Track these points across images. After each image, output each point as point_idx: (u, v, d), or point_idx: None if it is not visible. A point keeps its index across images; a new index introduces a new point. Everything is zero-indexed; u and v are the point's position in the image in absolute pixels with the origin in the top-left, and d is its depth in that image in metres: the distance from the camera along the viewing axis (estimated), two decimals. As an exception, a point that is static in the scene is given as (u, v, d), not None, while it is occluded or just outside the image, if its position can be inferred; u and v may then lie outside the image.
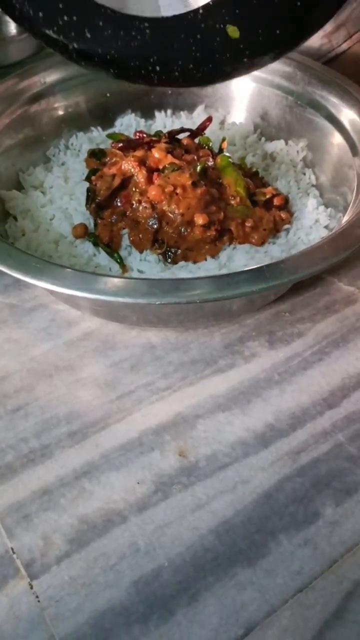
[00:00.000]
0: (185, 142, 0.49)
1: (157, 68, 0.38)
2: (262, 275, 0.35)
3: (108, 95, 0.56)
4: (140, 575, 0.30)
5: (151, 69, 0.38)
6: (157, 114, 0.57)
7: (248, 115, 0.57)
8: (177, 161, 0.45)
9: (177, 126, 0.55)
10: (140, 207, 0.44)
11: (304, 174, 0.52)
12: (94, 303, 0.39)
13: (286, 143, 0.54)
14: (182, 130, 0.50)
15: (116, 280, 0.35)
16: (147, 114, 0.57)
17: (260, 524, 0.32)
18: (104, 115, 0.56)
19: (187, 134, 0.50)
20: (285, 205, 0.49)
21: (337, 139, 0.50)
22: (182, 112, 0.57)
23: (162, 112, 0.57)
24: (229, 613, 0.29)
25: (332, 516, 0.32)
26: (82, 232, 0.45)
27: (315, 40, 0.59)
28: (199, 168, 0.44)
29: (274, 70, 0.54)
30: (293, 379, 0.39)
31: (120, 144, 0.48)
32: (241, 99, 0.57)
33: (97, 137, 0.55)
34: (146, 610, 0.29)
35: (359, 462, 0.35)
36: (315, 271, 0.36)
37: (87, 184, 0.47)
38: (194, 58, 0.37)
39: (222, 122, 0.57)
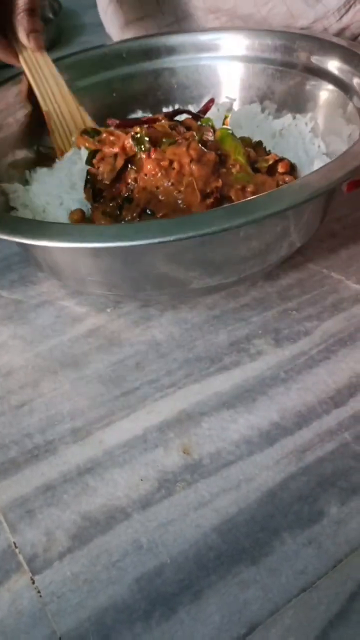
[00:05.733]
0: (187, 122, 0.47)
1: None
2: (240, 210, 0.33)
3: (114, 95, 0.56)
4: (143, 573, 0.30)
5: None
6: (164, 109, 0.56)
7: (255, 98, 0.56)
8: (175, 134, 0.43)
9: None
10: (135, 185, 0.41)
11: (314, 144, 0.49)
12: (88, 270, 0.38)
13: (293, 117, 0.52)
14: (179, 111, 0.48)
15: (105, 228, 0.34)
16: (156, 111, 0.57)
17: (264, 522, 0.32)
18: (111, 116, 0.56)
19: (189, 116, 0.49)
20: (292, 172, 0.46)
21: (348, 106, 0.47)
22: (190, 106, 0.57)
23: (170, 108, 0.57)
24: (232, 611, 0.29)
25: (337, 515, 0.32)
26: (79, 218, 0.44)
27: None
28: (197, 138, 0.42)
29: (275, 47, 0.53)
30: (299, 377, 0.39)
31: (117, 122, 0.46)
32: (247, 81, 0.56)
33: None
34: (148, 607, 0.29)
35: (365, 462, 0.34)
36: (298, 202, 0.33)
37: (86, 168, 0.45)
38: None
39: (229, 110, 0.56)
